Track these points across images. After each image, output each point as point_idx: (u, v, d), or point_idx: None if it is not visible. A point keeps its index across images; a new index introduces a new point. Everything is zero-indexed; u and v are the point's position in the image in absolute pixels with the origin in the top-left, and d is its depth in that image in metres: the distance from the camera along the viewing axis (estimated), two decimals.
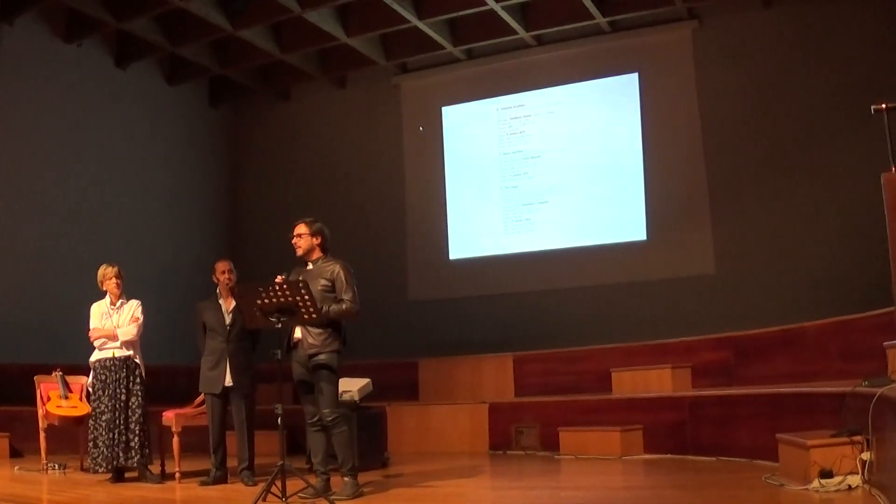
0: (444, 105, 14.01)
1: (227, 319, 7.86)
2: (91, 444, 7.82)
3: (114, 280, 8.03)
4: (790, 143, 11.57)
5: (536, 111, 13.32)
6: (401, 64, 14.10)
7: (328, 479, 6.68)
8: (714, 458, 8.63)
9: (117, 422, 7.78)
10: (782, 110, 11.64)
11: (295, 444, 9.17)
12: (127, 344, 7.96)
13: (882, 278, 5.19)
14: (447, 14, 12.32)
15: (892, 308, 5.51)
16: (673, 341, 10.82)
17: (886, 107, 5.02)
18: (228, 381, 7.73)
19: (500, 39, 12.97)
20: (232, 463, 7.83)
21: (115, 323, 7.97)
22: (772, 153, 11.68)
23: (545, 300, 12.68)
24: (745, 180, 11.83)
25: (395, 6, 11.72)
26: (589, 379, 11.19)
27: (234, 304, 7.74)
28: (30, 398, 9.04)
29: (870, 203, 6.30)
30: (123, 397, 7.85)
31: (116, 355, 7.91)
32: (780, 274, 11.38)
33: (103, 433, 7.75)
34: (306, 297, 6.20)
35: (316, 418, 6.75)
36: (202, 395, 7.98)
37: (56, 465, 8.67)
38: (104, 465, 7.73)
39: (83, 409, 8.55)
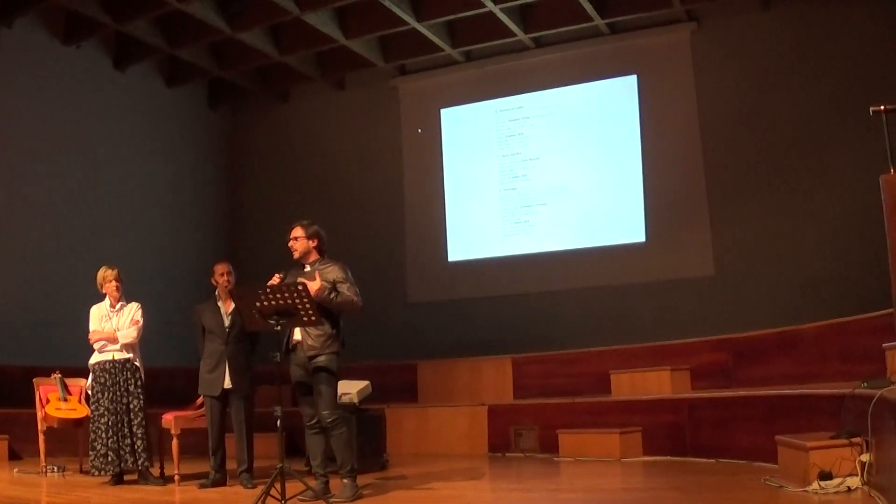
0: (443, 107, 14.01)
1: (226, 322, 7.86)
2: (91, 447, 7.81)
3: (114, 283, 8.01)
4: (789, 145, 11.58)
5: (535, 113, 13.33)
6: (400, 66, 14.10)
7: (327, 482, 6.68)
8: (713, 460, 8.64)
9: (120, 425, 7.77)
10: (781, 112, 11.65)
11: (294, 447, 9.16)
12: (127, 347, 7.95)
13: (881, 280, 5.20)
14: (446, 16, 12.32)
15: (891, 310, 5.50)
16: (672, 343, 10.82)
17: (885, 108, 5.03)
18: (227, 384, 7.73)
19: (499, 41, 12.97)
20: (231, 465, 7.83)
21: (114, 325, 7.96)
22: (770, 155, 11.68)
23: (544, 302, 12.67)
24: (744, 182, 11.83)
25: (394, 8, 11.72)
26: (588, 381, 11.19)
27: (233, 306, 7.74)
28: (29, 400, 9.03)
29: (869, 205, 6.31)
30: (124, 400, 7.85)
31: (116, 358, 7.90)
32: (779, 276, 11.38)
33: (102, 436, 7.74)
34: (305, 299, 6.21)
35: (315, 420, 6.75)
36: (201, 397, 7.97)
37: (55, 468, 8.65)
38: (107, 468, 7.72)
39: (82, 411, 8.55)
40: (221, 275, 7.99)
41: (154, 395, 8.49)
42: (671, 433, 9.40)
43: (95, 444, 7.76)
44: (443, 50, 13.15)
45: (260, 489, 6.33)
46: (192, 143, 14.67)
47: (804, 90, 11.51)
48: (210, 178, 14.93)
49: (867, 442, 5.60)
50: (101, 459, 7.72)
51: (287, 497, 6.02)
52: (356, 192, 14.22)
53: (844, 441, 5.76)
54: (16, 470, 8.94)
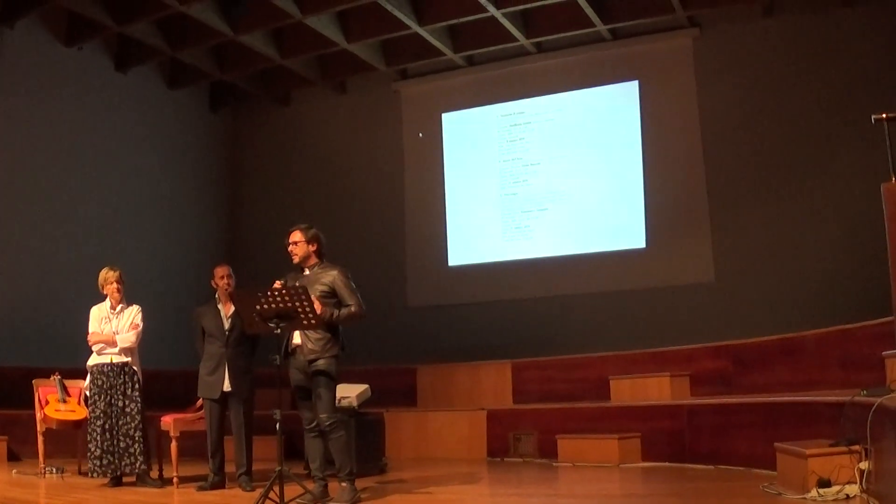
0: (445, 111, 14.02)
1: (226, 324, 7.86)
2: (88, 449, 7.81)
3: (115, 284, 8.01)
4: (790, 152, 11.58)
5: (536, 118, 13.33)
6: (401, 70, 14.10)
7: (326, 485, 6.68)
8: (712, 467, 8.63)
9: (115, 429, 7.77)
10: (782, 119, 11.65)
11: (293, 450, 9.15)
12: (125, 350, 7.95)
13: (881, 288, 5.19)
14: (448, 20, 12.33)
15: (891, 318, 5.51)
16: (672, 349, 10.82)
17: (887, 117, 5.03)
18: (227, 387, 7.72)
19: (501, 46, 12.98)
20: (230, 468, 7.83)
21: (113, 328, 7.95)
22: (771, 162, 11.69)
23: (544, 307, 12.68)
24: (745, 188, 11.84)
25: (396, 12, 11.73)
26: (587, 386, 11.19)
27: (232, 309, 7.73)
28: (28, 402, 9.03)
29: (869, 213, 6.31)
30: (120, 403, 7.84)
31: (114, 361, 7.90)
32: (780, 283, 11.38)
33: (98, 439, 7.74)
34: (305, 302, 6.20)
35: (313, 424, 6.75)
36: (200, 399, 7.97)
37: (54, 469, 8.64)
38: (102, 471, 7.72)
39: (81, 412, 8.54)
40: (222, 277, 7.98)
41: (153, 397, 8.49)
42: (670, 439, 9.40)
43: (91, 445, 7.76)
44: (444, 54, 13.16)
45: (259, 492, 6.34)
46: (193, 145, 14.68)
47: (805, 97, 11.51)
48: (211, 181, 14.93)
49: (866, 450, 5.59)
50: (95, 462, 7.72)
51: (286, 500, 6.02)
52: (357, 195, 14.23)
53: (844, 449, 5.76)
54: (14, 471, 8.94)
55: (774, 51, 11.81)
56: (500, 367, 11.97)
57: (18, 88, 11.82)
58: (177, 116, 14.34)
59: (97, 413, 7.79)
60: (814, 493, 5.67)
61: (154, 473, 8.16)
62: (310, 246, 6.85)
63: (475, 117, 13.79)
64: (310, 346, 6.63)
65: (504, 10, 11.84)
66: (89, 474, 7.81)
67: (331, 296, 6.67)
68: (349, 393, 9.03)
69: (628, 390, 10.57)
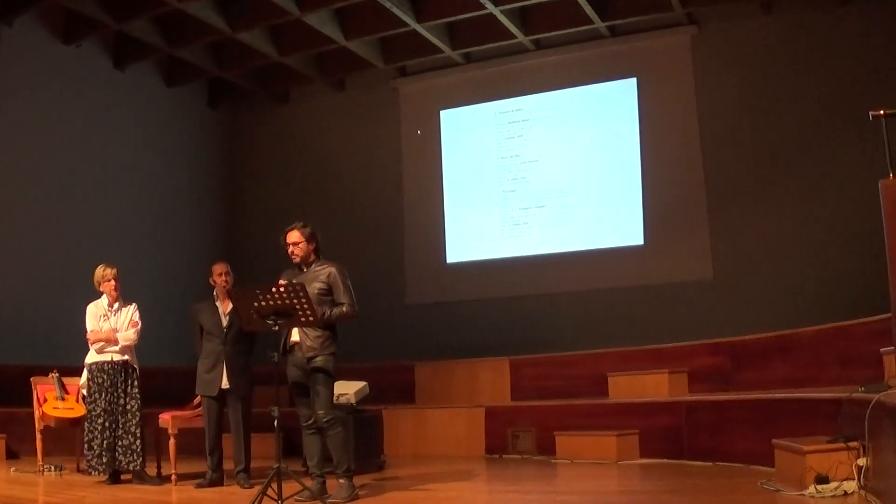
0: (443, 108, 14.02)
1: (224, 322, 7.86)
2: (86, 447, 7.81)
3: (112, 282, 7.99)
4: (788, 149, 11.58)
5: (535, 115, 13.33)
6: (400, 67, 14.10)
7: (324, 482, 6.68)
8: (710, 464, 8.63)
9: (115, 426, 7.77)
10: (780, 116, 11.66)
11: (291, 447, 9.16)
12: (125, 348, 7.95)
13: (879, 284, 5.20)
14: (446, 18, 12.32)
15: (889, 314, 5.51)
16: (669, 346, 10.82)
17: (885, 113, 5.03)
18: (225, 384, 7.73)
19: (499, 43, 12.97)
20: (228, 465, 7.83)
21: (112, 325, 7.93)
22: (770, 159, 11.69)
23: (542, 304, 12.68)
24: (743, 186, 11.84)
25: (394, 9, 11.72)
26: (585, 383, 11.20)
27: (231, 306, 7.72)
28: (26, 399, 9.02)
29: (867, 209, 6.31)
30: (121, 401, 7.84)
31: (115, 359, 7.89)
32: (777, 280, 11.39)
33: (98, 437, 7.74)
34: (304, 299, 6.20)
35: (311, 421, 6.75)
36: (199, 397, 7.97)
37: (52, 467, 8.65)
38: (102, 468, 7.72)
39: (79, 410, 8.53)
40: (220, 275, 7.98)
41: (151, 394, 8.47)
42: (668, 436, 9.40)
43: (93, 444, 7.76)
44: (443, 51, 13.16)
45: (257, 489, 6.33)
46: (192, 143, 14.67)
47: (804, 94, 11.52)
48: (209, 178, 14.93)
49: (864, 446, 5.59)
50: (97, 460, 7.72)
51: (284, 497, 6.02)
52: (355, 193, 14.22)
53: (841, 445, 5.76)
54: (13, 469, 8.93)
55: (773, 48, 11.80)
56: (499, 364, 11.97)
57: (16, 86, 11.81)
58: (175, 114, 14.33)
59: (98, 411, 7.78)
60: (812, 489, 5.67)
61: (152, 471, 8.17)
62: (309, 245, 6.84)
63: (473, 114, 13.79)
64: (308, 343, 6.63)
65: (502, 8, 11.84)
66: (89, 471, 7.81)
67: (328, 293, 6.67)
68: (347, 390, 9.05)
69: (626, 387, 10.58)
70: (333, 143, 14.56)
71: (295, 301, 6.19)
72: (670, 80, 12.46)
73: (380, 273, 13.43)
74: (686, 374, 10.37)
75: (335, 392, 7.43)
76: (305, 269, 6.82)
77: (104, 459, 7.71)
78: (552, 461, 9.80)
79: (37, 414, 8.74)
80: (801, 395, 7.76)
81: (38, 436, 8.69)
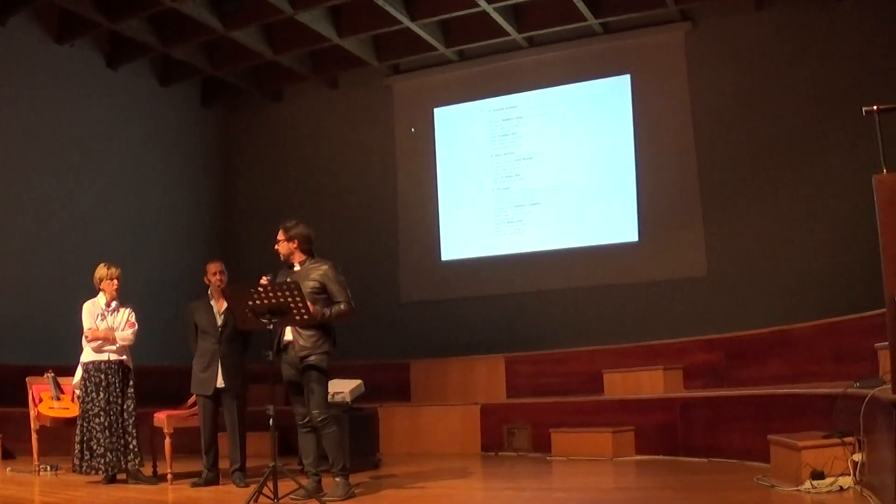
0: (437, 106, 14.00)
1: (219, 320, 7.85)
2: (83, 446, 7.76)
3: (115, 281, 7.98)
4: (782, 145, 11.59)
5: (528, 113, 13.33)
6: (393, 65, 14.09)
7: (319, 480, 6.69)
8: (705, 460, 8.65)
9: (115, 426, 7.76)
10: (774, 112, 11.66)
11: (286, 446, 9.16)
12: (122, 348, 7.94)
13: (873, 280, 5.20)
14: (439, 15, 12.32)
15: (883, 310, 5.51)
16: (664, 343, 10.82)
17: (878, 109, 5.04)
18: (220, 383, 7.73)
19: (493, 41, 12.97)
20: (224, 464, 7.83)
21: (109, 325, 7.92)
22: (763, 155, 11.70)
23: (537, 301, 12.69)
24: (737, 182, 11.85)
25: (388, 7, 11.71)
26: (580, 380, 11.20)
27: (225, 305, 7.73)
28: (21, 399, 9.01)
29: (861, 205, 6.32)
30: (119, 401, 7.84)
31: (112, 359, 7.88)
32: (772, 275, 11.41)
33: (99, 436, 7.72)
34: (298, 297, 6.20)
35: (306, 419, 6.75)
36: (194, 396, 7.97)
37: (48, 467, 8.65)
38: (104, 469, 7.71)
39: (75, 410, 8.48)
40: (214, 273, 7.99)
41: (146, 394, 8.47)
42: (663, 433, 9.42)
43: (91, 443, 7.73)
44: (436, 49, 13.15)
45: (252, 488, 6.34)
46: (186, 141, 14.65)
47: (797, 91, 11.53)
48: (203, 177, 14.91)
49: (859, 441, 5.61)
50: (98, 460, 7.69)
51: (279, 496, 6.02)
52: (349, 191, 14.22)
53: (837, 440, 5.78)
54: (9, 469, 8.92)
55: (766, 44, 11.81)
56: (494, 362, 11.97)
57: (9, 86, 11.77)
58: (169, 113, 14.30)
59: (96, 410, 7.75)
60: (807, 485, 5.69)
61: (148, 470, 8.16)
62: (290, 244, 6.85)
63: (467, 112, 13.78)
64: (301, 342, 6.63)
65: (495, 5, 11.84)
66: (88, 471, 7.77)
67: (321, 291, 6.66)
68: (342, 388, 9.04)
69: (621, 384, 10.57)
70: (327, 140, 14.55)
71: (290, 299, 6.19)
72: (664, 76, 12.47)
73: (374, 271, 13.44)
74: (681, 371, 10.36)
75: (330, 390, 7.43)
76: (298, 268, 6.82)
77: (107, 459, 7.68)
78: (548, 458, 9.81)
79: (32, 414, 8.71)
80: (797, 390, 7.78)
81: (34, 436, 8.66)
